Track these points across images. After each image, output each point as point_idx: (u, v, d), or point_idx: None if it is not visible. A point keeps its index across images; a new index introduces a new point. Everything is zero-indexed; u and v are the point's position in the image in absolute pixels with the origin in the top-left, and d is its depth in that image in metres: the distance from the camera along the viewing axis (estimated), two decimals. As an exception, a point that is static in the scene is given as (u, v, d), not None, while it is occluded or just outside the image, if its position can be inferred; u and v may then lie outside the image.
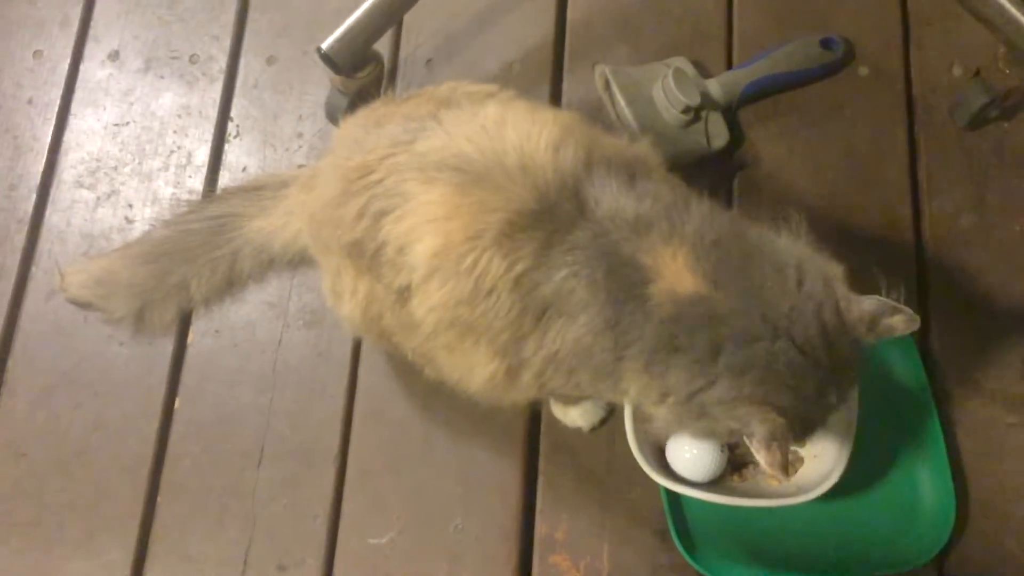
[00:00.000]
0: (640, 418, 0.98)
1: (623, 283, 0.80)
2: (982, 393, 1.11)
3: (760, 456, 0.81)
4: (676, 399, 0.82)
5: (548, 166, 0.83)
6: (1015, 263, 1.16)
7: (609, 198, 0.82)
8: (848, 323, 0.81)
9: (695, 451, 1.00)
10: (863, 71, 1.27)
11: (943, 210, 1.19)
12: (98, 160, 1.30)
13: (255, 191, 1.17)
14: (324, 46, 1.15)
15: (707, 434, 0.87)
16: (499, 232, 0.81)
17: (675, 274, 0.80)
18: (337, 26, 1.15)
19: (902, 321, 0.82)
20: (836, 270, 0.84)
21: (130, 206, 1.27)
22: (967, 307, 1.15)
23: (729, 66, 1.28)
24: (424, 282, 0.85)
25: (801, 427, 0.83)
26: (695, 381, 0.80)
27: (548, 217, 0.82)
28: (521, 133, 0.85)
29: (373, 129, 0.94)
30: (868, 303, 0.82)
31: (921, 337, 1.13)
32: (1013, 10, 1.09)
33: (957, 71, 1.26)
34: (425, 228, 0.84)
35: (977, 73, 1.19)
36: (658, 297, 0.80)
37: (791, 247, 0.84)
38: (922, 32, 1.28)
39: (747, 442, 0.83)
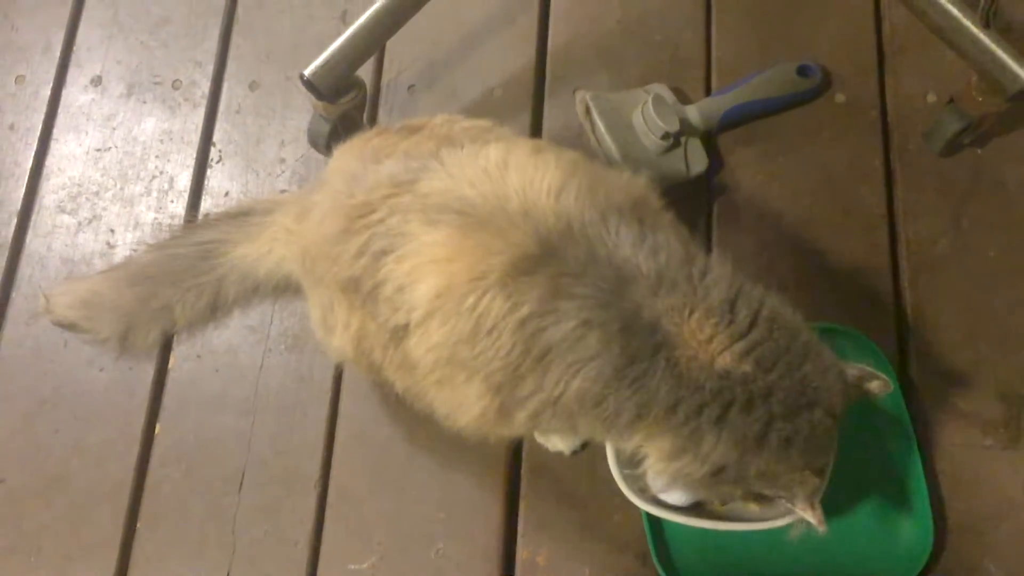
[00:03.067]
0: (626, 462, 0.98)
1: (642, 342, 0.81)
2: (959, 416, 1.12)
3: (808, 515, 0.87)
4: (707, 464, 0.84)
5: (550, 211, 0.84)
6: (990, 287, 1.18)
7: (622, 249, 0.83)
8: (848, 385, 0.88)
9: (675, 475, 1.01)
10: (840, 98, 1.29)
11: (919, 235, 1.21)
12: (80, 185, 1.30)
13: (241, 217, 1.18)
14: (307, 72, 1.16)
15: (726, 498, 0.92)
16: (503, 274, 0.82)
17: (703, 346, 0.81)
18: (320, 52, 1.16)
19: (878, 386, 0.89)
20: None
21: (112, 231, 1.27)
22: (944, 331, 1.16)
23: (708, 93, 1.30)
24: (424, 322, 0.86)
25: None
26: (738, 453, 0.83)
27: (553, 262, 0.82)
28: (523, 178, 0.86)
29: (371, 164, 0.94)
30: (852, 369, 0.88)
31: (899, 361, 1.14)
32: (986, 39, 1.11)
33: (932, 98, 1.28)
34: (428, 268, 0.84)
35: (951, 100, 1.21)
36: (688, 365, 0.81)
37: (797, 319, 0.87)
38: (897, 60, 1.31)
39: (787, 504, 0.88)
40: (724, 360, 0.81)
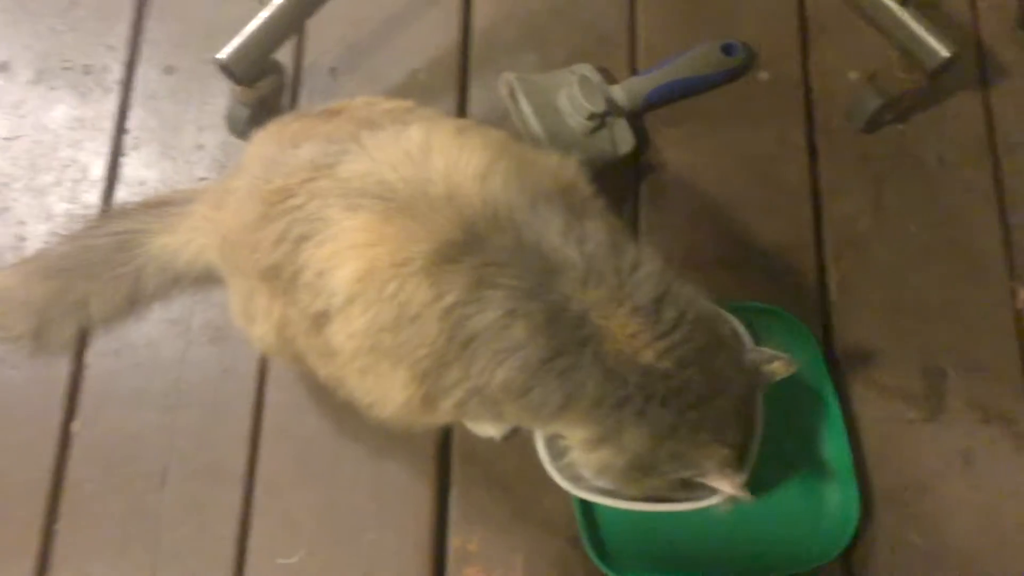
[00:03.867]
0: (555, 450, 0.98)
1: (569, 334, 0.80)
2: (883, 390, 1.13)
3: (721, 485, 0.87)
4: (624, 455, 0.85)
5: (475, 196, 0.82)
6: (911, 262, 1.20)
7: (550, 238, 0.81)
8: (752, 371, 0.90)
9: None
10: (763, 76, 1.29)
11: (842, 211, 1.22)
12: (-12, 176, 1.26)
13: (159, 207, 1.14)
14: (222, 56, 1.13)
15: (649, 490, 0.92)
16: (427, 261, 0.80)
17: (629, 340, 0.81)
18: (236, 35, 1.13)
19: (780, 366, 0.90)
20: (735, 324, 0.98)
21: (22, 223, 1.23)
22: (867, 306, 1.17)
23: (634, 72, 1.29)
24: (345, 307, 0.84)
25: (740, 457, 0.90)
26: (652, 443, 0.84)
27: (478, 250, 0.81)
28: (447, 160, 0.84)
29: (289, 148, 0.92)
30: (753, 355, 0.91)
31: (823, 336, 1.15)
32: (904, 16, 1.13)
33: (853, 75, 1.29)
34: (348, 254, 0.83)
35: (872, 77, 1.22)
36: (615, 358, 0.81)
37: (711, 309, 0.89)
38: (820, 38, 1.31)
39: (701, 480, 0.88)
40: (647, 356, 0.82)
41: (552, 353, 0.81)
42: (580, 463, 0.89)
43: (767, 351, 0.91)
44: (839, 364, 1.14)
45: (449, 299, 0.81)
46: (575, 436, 0.86)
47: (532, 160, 0.89)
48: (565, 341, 0.81)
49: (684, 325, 0.83)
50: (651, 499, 1.01)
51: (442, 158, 0.84)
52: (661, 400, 0.82)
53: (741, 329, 0.99)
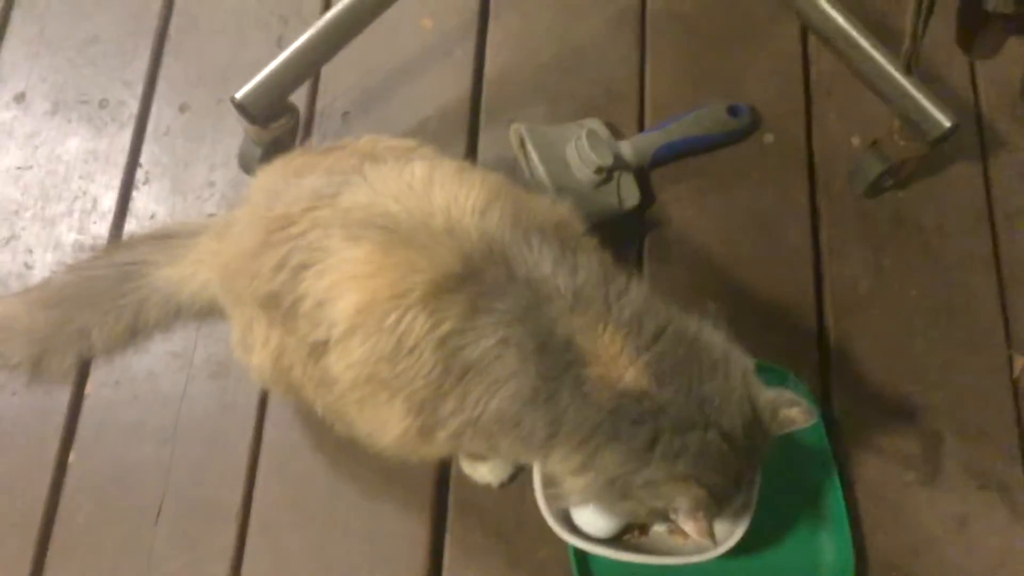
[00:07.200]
0: (548, 482, 0.98)
1: (555, 360, 0.81)
2: (880, 453, 1.14)
3: (688, 527, 0.85)
4: (601, 477, 0.84)
5: (474, 230, 0.83)
6: (910, 326, 1.21)
7: (541, 268, 0.83)
8: (758, 411, 0.87)
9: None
10: (768, 138, 1.32)
11: (843, 274, 1.23)
12: (-2, 203, 1.27)
13: (165, 239, 1.15)
14: (238, 96, 1.14)
15: (628, 515, 0.92)
16: (425, 292, 0.81)
17: (613, 360, 0.82)
18: (253, 76, 1.15)
19: (799, 413, 0.87)
20: (749, 363, 0.88)
21: (30, 251, 1.23)
22: (866, 368, 1.18)
23: (641, 129, 1.32)
24: (344, 338, 0.85)
25: (718, 503, 0.87)
26: (627, 464, 0.83)
27: (474, 281, 0.82)
28: (448, 195, 0.86)
29: (293, 180, 0.93)
30: (770, 392, 0.87)
31: (822, 397, 1.16)
32: (907, 85, 1.15)
33: (856, 141, 1.31)
34: (348, 284, 0.83)
35: (874, 143, 1.24)
36: (595, 383, 0.82)
37: (718, 341, 0.87)
38: (824, 103, 1.34)
39: (673, 517, 0.86)
40: (630, 376, 0.82)
41: (540, 381, 0.82)
42: (567, 492, 0.88)
43: (788, 393, 0.88)
44: (837, 424, 1.14)
45: (445, 328, 0.82)
46: (565, 466, 0.86)
47: (527, 199, 0.91)
48: (552, 368, 0.82)
49: (665, 338, 0.83)
50: (647, 551, 1.01)
51: (443, 192, 0.86)
52: (634, 420, 0.82)
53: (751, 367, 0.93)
